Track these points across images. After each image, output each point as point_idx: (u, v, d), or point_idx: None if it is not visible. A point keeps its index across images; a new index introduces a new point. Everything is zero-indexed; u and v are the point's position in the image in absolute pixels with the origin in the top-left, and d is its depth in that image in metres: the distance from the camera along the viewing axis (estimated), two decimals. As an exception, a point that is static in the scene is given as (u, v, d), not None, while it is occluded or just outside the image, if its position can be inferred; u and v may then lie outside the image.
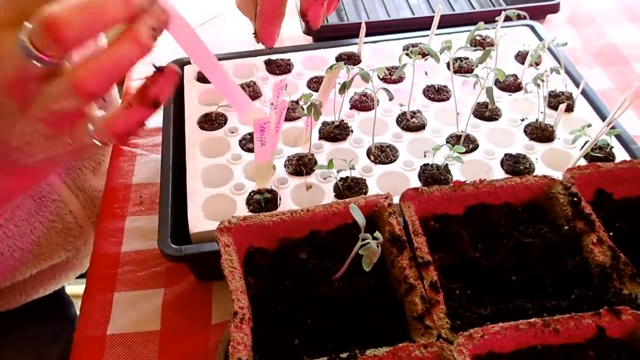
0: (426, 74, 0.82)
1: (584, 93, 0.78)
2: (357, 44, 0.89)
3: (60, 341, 0.96)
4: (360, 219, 0.49)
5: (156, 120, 0.87)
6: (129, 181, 0.83)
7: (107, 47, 0.43)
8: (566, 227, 0.55)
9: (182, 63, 0.87)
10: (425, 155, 0.70)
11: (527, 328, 0.46)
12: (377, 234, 0.48)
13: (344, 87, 0.69)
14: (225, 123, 0.78)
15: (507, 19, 0.76)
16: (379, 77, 0.83)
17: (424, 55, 0.79)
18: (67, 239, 0.88)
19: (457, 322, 0.48)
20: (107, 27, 0.42)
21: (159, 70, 0.46)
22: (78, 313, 0.71)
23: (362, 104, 0.79)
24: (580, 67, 0.96)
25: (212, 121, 0.78)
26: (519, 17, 0.72)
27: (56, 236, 0.86)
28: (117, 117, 0.47)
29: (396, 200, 0.58)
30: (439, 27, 0.87)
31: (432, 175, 0.68)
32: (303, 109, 0.67)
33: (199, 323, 0.68)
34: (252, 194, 0.67)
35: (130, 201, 0.80)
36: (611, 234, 0.55)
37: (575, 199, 0.56)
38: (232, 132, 0.76)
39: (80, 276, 0.99)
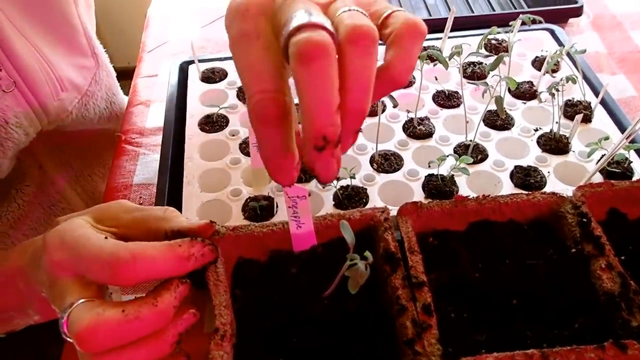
0: (436, 79, 0.79)
1: (603, 102, 0.74)
2: (367, 45, 0.86)
3: (61, 339, 0.96)
4: (350, 238, 0.46)
5: (158, 119, 0.86)
6: (130, 181, 0.82)
7: (134, 344, 0.43)
8: (573, 250, 0.51)
9: (187, 62, 0.85)
10: (429, 166, 0.67)
11: (524, 359, 0.43)
12: (367, 253, 0.45)
13: (346, 92, 0.66)
14: (226, 125, 0.76)
15: (534, 22, 0.72)
16: (388, 81, 0.80)
17: (433, 59, 0.75)
18: None
19: (449, 349, 0.45)
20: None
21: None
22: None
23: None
24: (603, 74, 0.92)
25: (213, 123, 0.76)
26: (533, 22, 0.68)
27: None
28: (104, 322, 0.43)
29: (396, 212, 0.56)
30: (456, 29, 0.84)
31: (437, 186, 0.65)
32: (303, 114, 0.64)
33: (190, 330, 0.66)
34: (248, 200, 0.65)
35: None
36: (623, 258, 0.52)
37: (584, 219, 0.52)
38: (233, 135, 0.74)
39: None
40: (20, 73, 0.70)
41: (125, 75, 1.04)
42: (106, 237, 0.46)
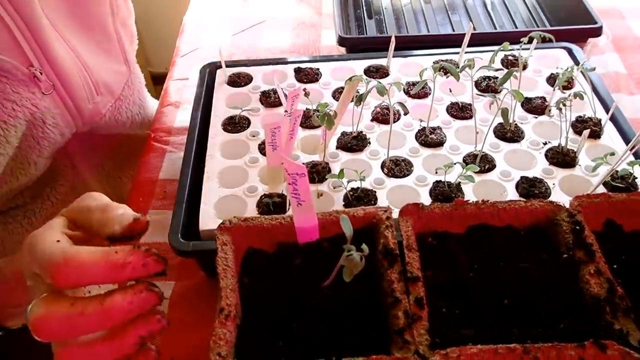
0: (450, 91, 0.82)
1: (614, 120, 0.76)
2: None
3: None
4: (348, 230, 0.49)
5: (186, 120, 0.91)
6: (155, 176, 0.87)
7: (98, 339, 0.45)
8: (565, 255, 0.54)
9: (215, 67, 0.90)
10: (436, 172, 0.70)
11: (506, 353, 0.46)
12: (363, 246, 0.49)
13: (360, 100, 0.70)
14: (247, 126, 0.80)
15: (545, 39, 0.74)
16: (404, 92, 0.84)
17: (446, 72, 0.79)
18: None
19: (437, 340, 0.48)
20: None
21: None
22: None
23: (383, 116, 0.79)
24: (620, 94, 0.93)
25: (235, 124, 0.80)
26: (544, 40, 0.70)
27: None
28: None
29: (399, 214, 0.59)
30: (476, 45, 0.87)
31: (443, 192, 0.68)
32: (318, 118, 0.68)
33: (203, 317, 0.69)
34: (262, 197, 0.69)
35: (155, 195, 0.84)
36: (615, 266, 0.53)
37: (577, 227, 0.54)
38: (253, 136, 0.79)
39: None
40: (59, 77, 0.75)
41: (162, 81, 1.10)
42: (58, 241, 0.47)
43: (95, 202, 0.52)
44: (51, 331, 0.44)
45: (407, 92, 0.84)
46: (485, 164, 0.72)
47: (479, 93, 0.75)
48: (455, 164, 0.68)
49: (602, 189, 0.67)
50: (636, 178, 0.68)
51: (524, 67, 0.85)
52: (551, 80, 0.84)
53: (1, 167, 0.72)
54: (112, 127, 0.89)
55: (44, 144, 0.76)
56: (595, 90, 0.80)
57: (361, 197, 0.69)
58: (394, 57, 0.88)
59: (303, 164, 0.73)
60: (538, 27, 1.10)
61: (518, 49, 0.76)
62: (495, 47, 0.89)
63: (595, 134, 0.74)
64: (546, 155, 0.73)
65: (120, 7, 0.86)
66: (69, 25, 0.78)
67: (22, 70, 0.70)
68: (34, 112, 0.73)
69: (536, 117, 0.79)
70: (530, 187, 0.68)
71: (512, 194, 0.69)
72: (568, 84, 0.81)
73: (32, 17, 0.70)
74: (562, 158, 0.72)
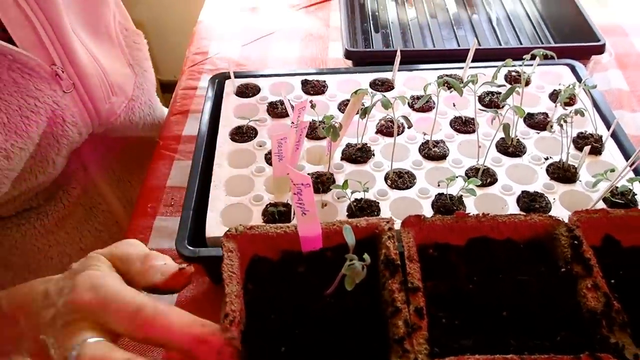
0: (454, 105, 0.83)
1: (615, 137, 0.77)
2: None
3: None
4: (350, 240, 0.51)
5: (195, 128, 0.93)
6: (163, 183, 0.89)
7: None
8: (563, 269, 0.55)
9: (224, 77, 0.92)
10: (439, 185, 0.71)
11: (503, 363, 0.47)
12: (365, 255, 0.50)
13: (365, 112, 0.71)
14: (255, 136, 0.82)
15: (547, 56, 0.76)
16: (409, 105, 0.85)
17: (450, 87, 0.80)
18: None
19: (436, 350, 0.49)
20: None
21: None
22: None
23: (388, 129, 0.81)
24: (621, 111, 0.95)
25: (242, 133, 0.82)
26: (546, 57, 0.72)
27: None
28: None
29: (401, 225, 0.60)
30: (481, 60, 0.88)
31: (445, 205, 0.69)
32: (323, 130, 0.70)
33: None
34: (268, 206, 0.71)
35: (162, 202, 0.86)
36: (612, 281, 0.55)
37: (576, 242, 0.55)
38: (260, 146, 0.80)
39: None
40: (79, 76, 0.78)
41: (171, 89, 1.12)
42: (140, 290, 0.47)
43: (133, 249, 0.53)
44: None
45: (411, 106, 0.86)
46: (487, 177, 0.73)
47: (482, 108, 0.77)
48: (457, 177, 0.69)
49: (601, 205, 0.68)
50: (635, 194, 0.69)
51: (527, 83, 0.86)
52: (554, 96, 0.86)
53: (22, 162, 0.74)
54: (126, 129, 0.92)
55: (62, 142, 0.79)
56: (596, 106, 0.81)
57: (364, 207, 0.70)
58: (399, 70, 0.90)
59: (308, 174, 0.75)
60: (542, 43, 1.11)
61: (521, 65, 0.78)
62: (499, 63, 0.92)
63: (596, 150, 0.75)
64: (547, 171, 0.74)
65: (115, 13, 0.89)
66: (85, 29, 0.81)
67: (45, 68, 0.73)
68: (54, 110, 0.75)
69: (538, 133, 0.80)
70: (531, 202, 0.70)
71: (513, 208, 0.70)
72: (570, 101, 0.83)
73: (56, 18, 0.72)
74: (563, 173, 0.73)
